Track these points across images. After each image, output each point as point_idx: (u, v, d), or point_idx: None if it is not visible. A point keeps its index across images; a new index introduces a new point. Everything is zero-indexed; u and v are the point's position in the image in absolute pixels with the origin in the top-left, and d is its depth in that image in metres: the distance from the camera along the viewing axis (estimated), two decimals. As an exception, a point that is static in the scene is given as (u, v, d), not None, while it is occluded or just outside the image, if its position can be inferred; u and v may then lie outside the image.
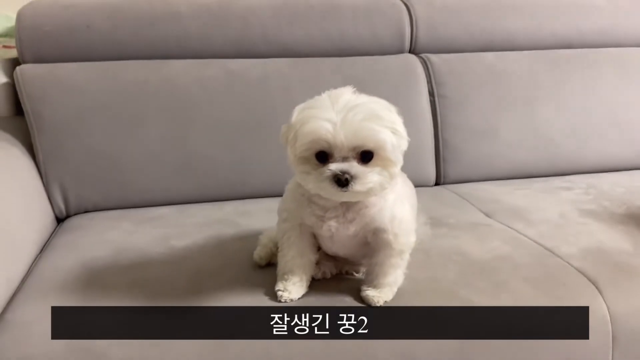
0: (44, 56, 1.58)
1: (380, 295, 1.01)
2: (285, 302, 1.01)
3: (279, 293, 1.02)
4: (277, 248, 1.14)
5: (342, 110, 0.87)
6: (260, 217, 1.38)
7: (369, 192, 0.92)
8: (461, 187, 1.68)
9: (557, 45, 1.90)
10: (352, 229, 0.99)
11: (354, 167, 0.89)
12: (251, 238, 1.23)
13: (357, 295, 1.03)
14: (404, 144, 0.93)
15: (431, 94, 1.74)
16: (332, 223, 0.99)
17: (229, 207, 1.49)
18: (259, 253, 1.15)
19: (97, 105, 1.50)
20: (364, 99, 0.92)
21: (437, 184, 1.75)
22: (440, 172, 1.74)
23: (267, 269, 1.13)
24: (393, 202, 1.00)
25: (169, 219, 1.43)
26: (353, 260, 1.10)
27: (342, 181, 0.88)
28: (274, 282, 1.06)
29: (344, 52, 1.75)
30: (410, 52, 1.83)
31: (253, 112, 1.57)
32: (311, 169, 0.91)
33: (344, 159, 0.89)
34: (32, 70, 1.55)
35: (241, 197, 1.57)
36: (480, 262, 1.15)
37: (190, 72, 1.57)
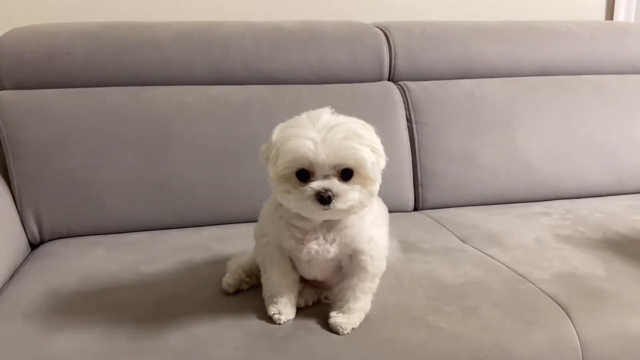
0: (24, 82, 1.58)
1: (349, 322, 1.00)
2: (283, 324, 1.01)
3: (275, 317, 1.02)
4: (246, 274, 1.14)
5: (322, 129, 0.88)
6: (236, 241, 1.38)
7: (350, 210, 0.92)
8: (439, 212, 1.68)
9: (535, 72, 1.91)
10: (332, 250, 0.99)
11: (335, 184, 0.90)
12: (223, 262, 1.22)
13: (327, 321, 1.02)
14: (382, 162, 0.94)
15: (409, 120, 1.75)
16: (313, 245, 0.98)
17: (206, 233, 1.48)
18: (227, 280, 1.14)
19: (75, 131, 1.50)
20: (343, 118, 0.93)
21: (415, 209, 1.74)
22: (418, 197, 1.74)
23: (235, 296, 1.13)
24: (371, 223, 1.00)
25: (143, 245, 1.42)
26: (330, 285, 1.09)
27: (324, 199, 0.89)
28: (240, 308, 1.06)
29: (324, 79, 1.76)
30: (389, 79, 1.84)
31: (233, 137, 1.57)
32: (292, 187, 0.91)
33: (325, 177, 0.90)
34: (11, 97, 1.55)
35: (220, 223, 1.55)
36: (451, 286, 1.14)
37: (171, 98, 1.58)
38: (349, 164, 0.90)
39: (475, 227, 1.53)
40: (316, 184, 0.89)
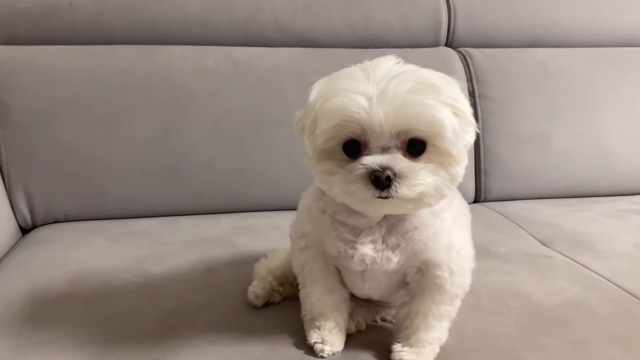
0: (17, 37, 1.35)
1: (418, 359, 0.73)
2: (327, 356, 0.77)
3: (317, 346, 0.77)
4: (278, 282, 0.89)
5: (381, 81, 0.64)
6: (263, 235, 1.18)
7: (420, 200, 0.66)
8: (506, 205, 1.42)
9: (618, 43, 1.65)
10: (394, 259, 0.73)
11: (398, 160, 0.64)
12: (249, 264, 0.98)
13: (387, 355, 0.76)
14: (470, 134, 0.67)
15: (471, 94, 1.49)
16: (367, 251, 0.73)
17: (227, 222, 1.27)
18: (255, 290, 0.89)
19: (76, 96, 1.29)
20: (411, 66, 0.67)
21: (476, 201, 1.49)
22: (480, 187, 1.48)
23: (264, 311, 0.88)
24: (451, 223, 0.75)
25: (151, 235, 1.19)
26: (388, 303, 0.83)
27: (381, 180, 0.63)
28: (271, 329, 0.81)
29: (368, 43, 1.51)
30: (446, 45, 1.58)
31: (260, 109, 1.35)
32: (336, 166, 0.67)
33: (384, 150, 0.65)
34: (3, 53, 1.31)
35: (243, 210, 1.35)
36: (545, 309, 0.90)
37: (188, 61, 1.36)
38: (419, 130, 0.64)
39: (555, 225, 1.27)
40: (370, 159, 0.64)
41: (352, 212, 0.72)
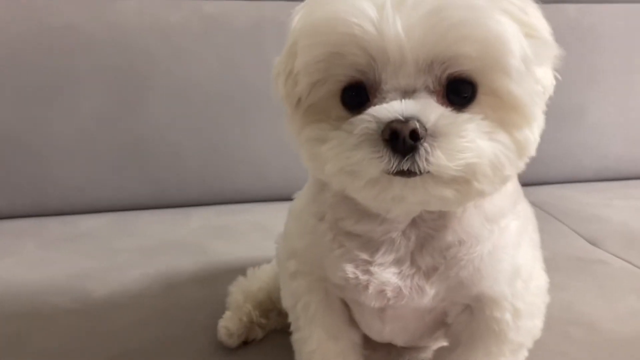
0: None
1: None
2: None
3: None
4: (260, 311, 0.69)
5: None
6: (243, 238, 0.97)
7: (467, 183, 0.43)
8: (534, 192, 1.20)
9: None
10: (430, 292, 0.50)
11: (431, 107, 0.42)
12: (224, 280, 0.77)
13: None
14: (548, 71, 0.45)
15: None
16: (389, 277, 0.50)
17: (197, 219, 1.07)
18: (227, 325, 0.67)
19: (6, 60, 1.07)
20: None
21: (498, 185, 1.25)
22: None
23: (242, 354, 0.66)
24: (517, 237, 0.52)
25: (98, 239, 0.97)
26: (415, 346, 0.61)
27: (403, 140, 0.41)
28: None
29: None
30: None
31: (238, 76, 1.15)
32: (332, 129, 0.45)
33: (407, 94, 0.43)
34: None
35: (218, 203, 1.16)
36: (623, 342, 0.69)
37: (147, 17, 1.15)
38: (466, 55, 0.41)
39: (600, 218, 1.09)
40: (383, 107, 0.42)
41: (364, 215, 0.49)
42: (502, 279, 0.51)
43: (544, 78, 0.44)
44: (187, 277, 0.82)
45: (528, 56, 0.42)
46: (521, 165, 0.45)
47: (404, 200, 0.44)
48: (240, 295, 0.68)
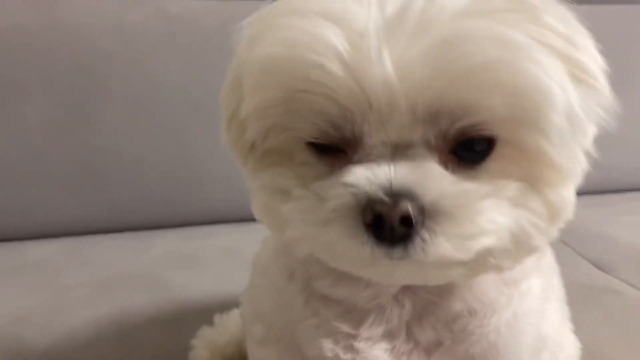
0: None
1: None
2: None
3: None
4: None
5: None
6: (211, 268, 0.86)
7: (480, 262, 0.34)
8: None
9: None
10: None
11: (431, 174, 0.33)
12: (189, 322, 0.67)
13: None
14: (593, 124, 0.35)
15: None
16: (380, 355, 0.41)
17: (161, 244, 0.96)
18: None
19: None
20: None
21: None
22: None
23: None
24: (541, 300, 0.43)
25: (47, 270, 0.86)
26: None
27: (391, 232, 0.31)
28: None
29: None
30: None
31: (206, 81, 1.04)
32: (295, 179, 0.36)
33: (398, 149, 0.33)
34: None
35: (184, 224, 1.05)
36: None
37: (105, 16, 1.05)
38: (487, 107, 0.32)
39: (605, 237, 1.02)
40: (363, 174, 0.32)
41: (344, 276, 0.40)
42: (525, 354, 0.42)
43: (589, 132, 0.35)
44: (145, 318, 0.71)
45: (575, 112, 0.32)
46: (554, 233, 0.35)
47: (394, 278, 0.37)
48: (206, 351, 0.59)
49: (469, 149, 0.33)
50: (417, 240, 0.31)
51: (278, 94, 0.33)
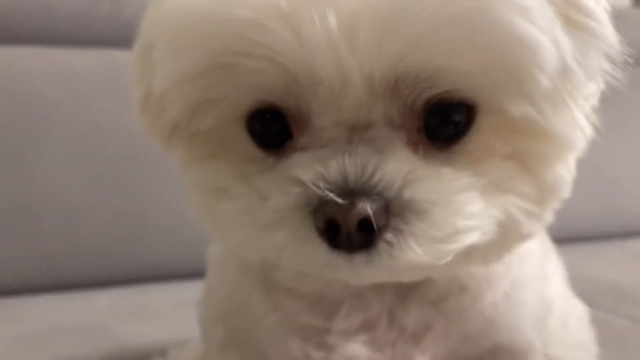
0: None
1: None
2: None
3: None
4: None
5: None
6: (163, 318, 0.78)
7: (463, 260, 0.29)
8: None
9: None
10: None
11: (396, 161, 0.28)
12: None
13: None
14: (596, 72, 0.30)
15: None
16: (358, 349, 0.35)
17: (105, 298, 0.87)
18: None
19: None
20: None
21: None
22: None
23: None
24: (542, 261, 0.40)
25: None
26: None
27: (348, 239, 0.27)
28: None
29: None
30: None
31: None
32: (234, 173, 0.31)
33: (353, 130, 0.28)
34: None
35: (130, 280, 0.95)
36: None
37: (47, 61, 1.03)
38: (460, 71, 0.27)
39: (577, 273, 0.95)
40: (313, 169, 0.27)
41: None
42: (527, 324, 0.37)
43: (590, 85, 0.30)
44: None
45: (569, 68, 0.27)
46: (548, 216, 0.32)
47: (360, 279, 0.32)
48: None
49: (443, 122, 0.29)
50: (382, 245, 0.27)
51: (200, 61, 0.28)
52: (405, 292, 0.35)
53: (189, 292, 0.84)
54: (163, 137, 0.33)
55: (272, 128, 0.29)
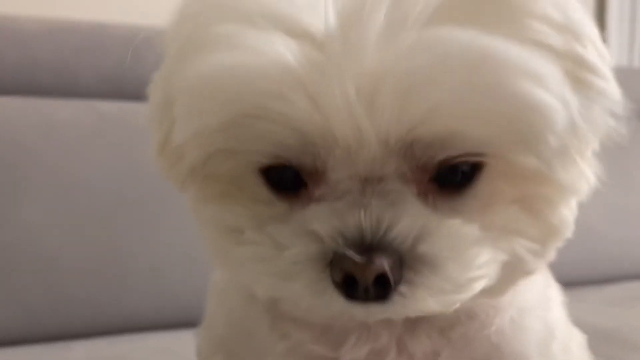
0: None
1: None
2: None
3: None
4: None
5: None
6: None
7: (468, 300, 0.31)
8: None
9: None
10: None
11: (411, 216, 0.28)
12: None
13: None
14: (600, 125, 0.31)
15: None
16: None
17: (84, 348, 0.84)
18: None
19: None
20: None
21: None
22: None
23: None
24: (545, 287, 0.41)
25: None
26: None
27: (365, 294, 0.28)
28: None
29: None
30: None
31: (138, 175, 0.99)
32: (248, 216, 0.32)
33: (367, 182, 0.29)
34: None
35: (110, 332, 0.92)
36: None
37: (30, 111, 1.02)
38: (472, 137, 0.28)
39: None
40: (329, 222, 0.28)
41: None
42: (532, 350, 0.38)
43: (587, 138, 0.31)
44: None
45: (577, 125, 0.29)
46: (552, 255, 0.33)
47: (373, 319, 0.34)
48: None
49: (453, 173, 0.30)
50: (396, 298, 0.28)
51: (220, 120, 0.28)
52: (414, 322, 0.36)
53: (169, 343, 0.84)
54: (178, 179, 0.33)
55: (286, 175, 0.30)
